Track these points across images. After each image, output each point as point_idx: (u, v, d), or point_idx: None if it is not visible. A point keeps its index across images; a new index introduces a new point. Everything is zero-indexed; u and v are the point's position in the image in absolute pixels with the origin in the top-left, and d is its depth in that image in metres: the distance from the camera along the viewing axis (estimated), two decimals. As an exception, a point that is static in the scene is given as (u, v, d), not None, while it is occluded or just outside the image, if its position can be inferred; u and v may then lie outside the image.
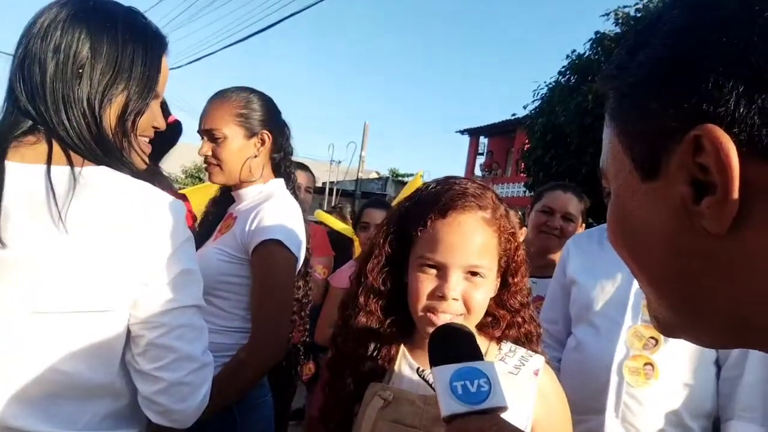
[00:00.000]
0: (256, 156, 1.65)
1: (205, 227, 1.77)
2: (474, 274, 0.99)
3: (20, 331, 0.89)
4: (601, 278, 1.66)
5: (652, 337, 1.53)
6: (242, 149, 1.63)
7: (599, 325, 1.64)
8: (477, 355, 0.78)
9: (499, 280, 1.06)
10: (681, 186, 0.41)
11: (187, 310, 1.00)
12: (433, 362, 0.77)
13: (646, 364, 1.52)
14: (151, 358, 0.96)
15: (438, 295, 0.98)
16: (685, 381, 1.50)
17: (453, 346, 0.80)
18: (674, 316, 0.48)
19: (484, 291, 1.01)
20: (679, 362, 1.51)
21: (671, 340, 1.51)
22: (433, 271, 0.99)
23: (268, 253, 1.51)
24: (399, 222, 1.07)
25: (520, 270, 1.08)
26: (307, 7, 9.63)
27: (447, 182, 1.05)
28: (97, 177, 0.95)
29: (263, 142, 1.65)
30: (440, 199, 1.00)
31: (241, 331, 1.57)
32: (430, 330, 0.96)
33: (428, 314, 0.99)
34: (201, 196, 2.16)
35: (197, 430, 1.39)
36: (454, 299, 0.97)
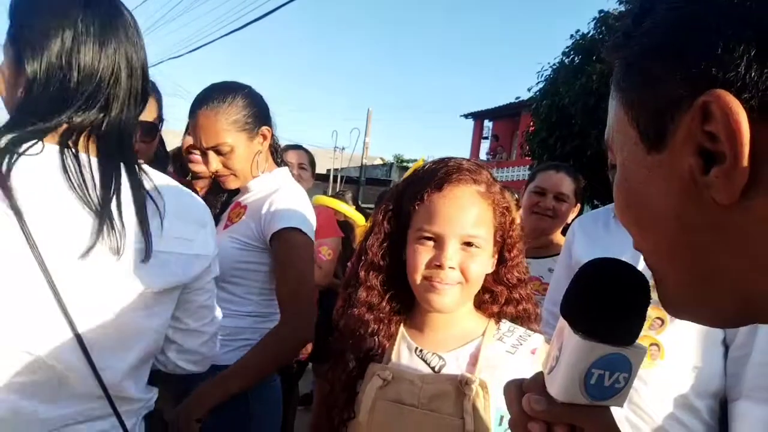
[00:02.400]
0: (261, 152, 1.68)
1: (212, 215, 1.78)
2: (470, 244, 1.01)
3: (144, 308, 1.03)
4: (607, 260, 1.65)
5: (658, 318, 1.52)
6: (249, 151, 1.66)
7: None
8: (638, 331, 0.55)
9: (496, 256, 1.08)
10: (689, 157, 0.40)
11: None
12: (580, 322, 0.55)
13: (651, 344, 1.51)
14: (199, 317, 1.17)
15: (435, 264, 1.00)
16: (692, 362, 1.49)
17: (616, 313, 0.54)
18: (683, 293, 0.47)
19: (481, 261, 1.03)
20: (686, 343, 1.50)
21: (678, 321, 1.50)
22: (431, 243, 1.02)
23: (288, 239, 1.57)
24: (397, 200, 1.10)
25: (516, 245, 1.10)
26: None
27: (442, 161, 1.08)
28: (151, 173, 1.09)
29: (265, 138, 1.68)
30: (436, 174, 1.04)
31: (255, 315, 1.64)
32: (432, 298, 1.01)
33: (426, 282, 1.02)
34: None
35: (211, 420, 1.44)
36: (451, 268, 1.00)
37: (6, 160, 0.90)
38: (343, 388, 1.08)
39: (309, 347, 2.88)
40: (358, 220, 4.09)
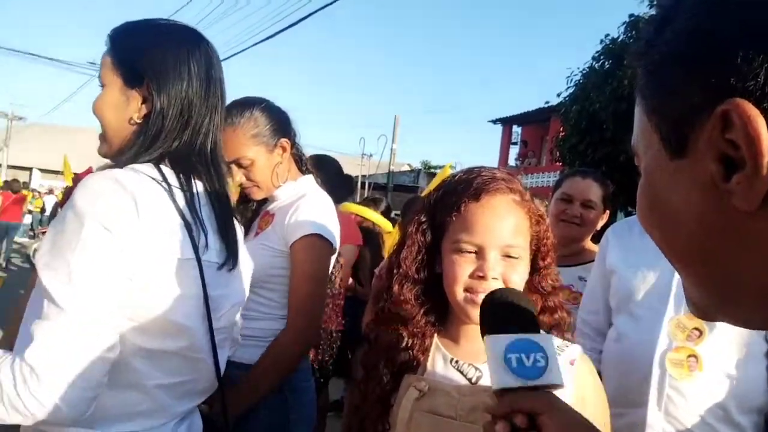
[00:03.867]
0: (281, 163, 1.75)
1: (244, 223, 1.83)
2: (509, 255, 1.00)
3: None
4: (642, 267, 1.62)
5: (696, 329, 1.48)
6: (269, 163, 1.73)
7: (640, 315, 1.59)
8: (535, 326, 0.73)
9: (529, 264, 1.07)
10: (710, 163, 0.40)
11: None
12: (487, 330, 0.73)
13: (689, 356, 1.47)
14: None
15: (478, 275, 0.99)
16: (732, 374, 1.44)
17: (508, 314, 0.74)
18: (708, 298, 0.47)
19: (521, 272, 1.02)
20: (725, 354, 1.45)
21: (716, 331, 1.46)
22: (471, 254, 1.00)
23: (308, 246, 1.63)
24: (430, 211, 1.08)
25: (550, 253, 1.09)
26: (331, 3, 9.61)
27: (474, 170, 1.07)
28: None
29: (284, 149, 1.75)
30: (471, 184, 1.03)
31: (285, 318, 1.69)
32: (472, 311, 0.98)
33: (469, 294, 1.00)
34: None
35: (252, 411, 1.56)
36: (494, 279, 0.98)
37: (168, 185, 1.09)
38: (377, 400, 1.06)
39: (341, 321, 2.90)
40: (386, 226, 4.09)
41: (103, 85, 1.14)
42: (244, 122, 1.69)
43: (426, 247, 1.07)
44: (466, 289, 1.00)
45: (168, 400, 1.11)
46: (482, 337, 0.73)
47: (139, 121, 1.13)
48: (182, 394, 1.15)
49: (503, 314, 0.75)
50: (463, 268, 1.00)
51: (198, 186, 1.16)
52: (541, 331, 0.75)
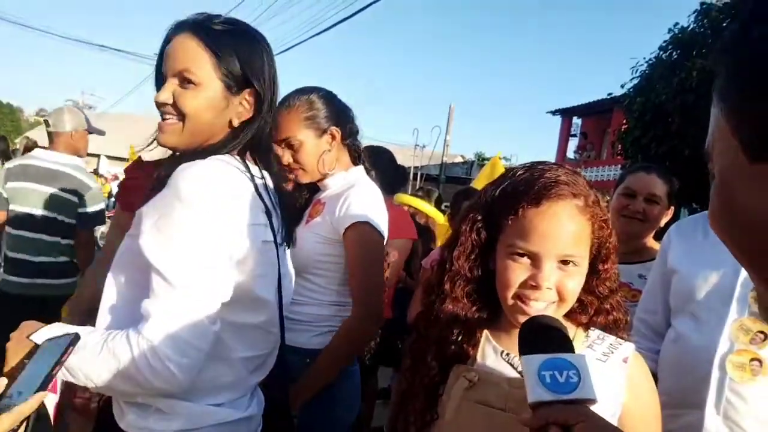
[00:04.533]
0: (329, 150, 1.78)
1: (297, 211, 1.89)
2: (566, 263, 0.97)
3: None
4: (705, 267, 1.56)
5: (760, 332, 1.42)
6: (317, 148, 1.77)
7: (701, 316, 1.54)
8: (568, 347, 0.80)
9: (588, 266, 1.03)
10: None
11: None
12: (522, 352, 0.81)
13: (752, 359, 1.41)
14: None
15: (531, 284, 0.97)
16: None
17: (543, 337, 0.82)
18: None
19: (578, 280, 0.99)
20: (793, 359, 1.39)
21: (784, 335, 1.40)
22: (525, 260, 0.98)
23: (360, 234, 1.68)
24: (486, 209, 1.06)
25: (611, 257, 1.05)
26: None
27: (536, 168, 1.02)
28: None
29: (333, 138, 1.79)
30: (532, 186, 0.98)
31: (337, 304, 1.77)
32: (521, 318, 0.96)
33: (519, 302, 0.98)
34: None
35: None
36: (548, 288, 0.96)
37: (250, 174, 1.21)
38: (423, 390, 1.07)
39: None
40: (437, 218, 4.09)
41: (188, 79, 1.14)
42: (299, 105, 1.76)
43: (480, 246, 1.05)
44: (518, 296, 0.98)
45: (246, 373, 1.21)
46: (519, 357, 0.81)
47: (237, 124, 1.21)
48: (256, 367, 1.25)
49: (538, 337, 0.82)
50: (517, 274, 0.98)
51: (265, 173, 1.27)
52: (575, 351, 0.82)
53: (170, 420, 1.10)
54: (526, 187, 0.98)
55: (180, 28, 1.17)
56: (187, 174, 1.07)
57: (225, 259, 1.08)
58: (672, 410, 1.35)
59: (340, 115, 1.82)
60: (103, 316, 1.13)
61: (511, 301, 0.99)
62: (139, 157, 2.32)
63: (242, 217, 1.13)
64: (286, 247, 1.34)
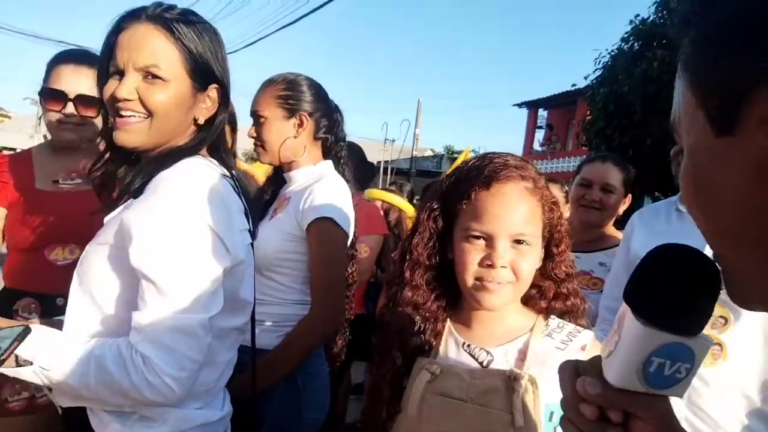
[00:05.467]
0: (295, 137, 1.72)
1: (261, 206, 1.85)
2: (520, 242, 1.01)
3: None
4: (667, 254, 1.59)
5: (721, 317, 1.46)
6: (281, 130, 1.72)
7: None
8: (704, 322, 0.53)
9: (543, 251, 1.07)
10: (765, 139, 0.37)
11: None
12: (644, 309, 0.53)
13: (714, 344, 1.45)
14: None
15: (487, 263, 1.00)
16: (758, 364, 1.42)
17: (684, 304, 0.52)
18: (752, 283, 0.44)
19: (531, 259, 1.02)
20: (751, 344, 1.42)
21: (742, 319, 1.43)
22: (480, 242, 1.01)
23: (322, 230, 1.62)
24: (441, 198, 1.09)
25: (564, 240, 1.08)
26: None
27: (487, 157, 1.07)
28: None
29: (301, 124, 1.72)
30: (483, 171, 1.03)
31: (299, 303, 1.70)
32: (482, 299, 1.00)
33: (477, 282, 1.01)
34: (265, 171, 2.23)
35: (265, 395, 1.57)
36: (503, 267, 0.99)
37: (229, 175, 1.19)
38: (389, 383, 1.09)
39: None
40: (408, 210, 4.09)
41: (155, 75, 1.08)
42: (279, 82, 1.73)
43: (437, 234, 1.09)
44: (476, 278, 1.01)
45: (226, 374, 1.20)
46: (630, 306, 0.54)
47: (202, 121, 1.17)
48: (230, 369, 1.24)
49: (679, 299, 0.52)
50: (473, 256, 1.01)
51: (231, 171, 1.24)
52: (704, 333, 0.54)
53: (156, 427, 1.07)
54: (477, 173, 1.03)
55: (135, 17, 1.09)
56: (176, 181, 1.04)
57: (219, 269, 1.05)
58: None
59: (319, 108, 1.76)
60: (74, 324, 1.08)
61: (470, 283, 1.02)
62: None
63: (233, 223, 1.10)
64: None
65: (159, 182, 1.04)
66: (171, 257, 0.99)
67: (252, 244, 1.24)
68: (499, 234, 0.99)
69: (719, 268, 0.49)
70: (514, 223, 1.00)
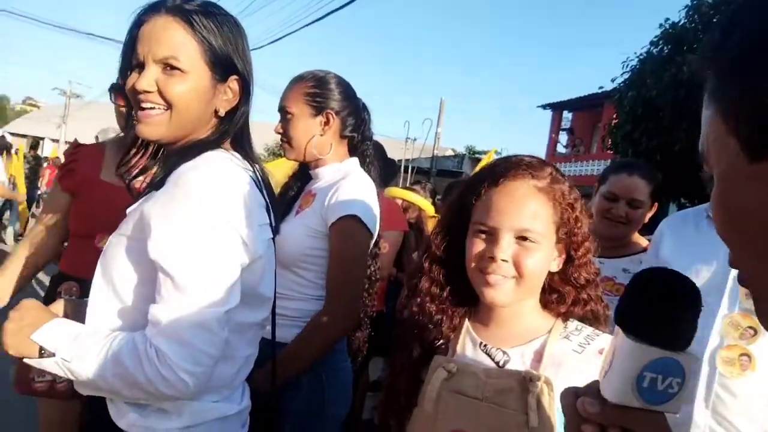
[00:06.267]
0: (321, 135, 1.73)
1: (286, 201, 1.86)
2: (525, 238, 1.01)
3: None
4: (697, 262, 1.56)
5: (750, 327, 1.42)
6: (308, 127, 1.72)
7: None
8: (689, 337, 0.58)
9: (564, 256, 1.06)
10: None
11: None
12: (631, 326, 0.58)
13: (742, 354, 1.42)
14: None
15: (488, 256, 1.01)
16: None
17: (670, 320, 0.57)
18: None
19: (538, 257, 1.01)
20: (781, 354, 1.40)
21: (773, 330, 1.40)
22: (485, 236, 1.03)
23: (346, 228, 1.61)
24: (460, 195, 1.12)
25: (585, 244, 1.07)
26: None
27: (504, 157, 1.11)
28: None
29: (328, 122, 1.72)
30: (495, 170, 1.07)
31: (322, 299, 1.69)
32: (485, 292, 1.02)
33: (479, 274, 1.02)
34: (284, 169, 2.24)
35: (290, 391, 1.59)
36: (503, 260, 1.00)
37: (252, 169, 1.19)
38: (407, 374, 1.10)
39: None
40: (428, 210, 4.09)
41: (174, 66, 1.08)
42: (308, 79, 1.73)
43: (454, 229, 1.11)
44: (479, 270, 1.03)
45: (245, 369, 1.20)
46: (619, 327, 0.59)
47: (223, 114, 1.17)
48: (251, 363, 1.24)
49: (664, 317, 0.57)
50: (477, 248, 1.03)
51: (253, 164, 1.22)
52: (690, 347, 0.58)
53: (173, 419, 1.07)
54: (490, 171, 1.07)
55: (155, 10, 1.10)
56: (197, 175, 1.04)
57: (236, 263, 1.05)
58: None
59: (346, 106, 1.76)
60: (96, 314, 1.09)
61: (474, 275, 1.04)
62: (75, 140, 2.32)
63: (252, 218, 1.09)
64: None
65: (179, 175, 1.04)
66: (188, 251, 0.99)
67: (274, 239, 1.24)
68: (502, 228, 1.01)
69: (753, 296, 0.49)
70: (518, 218, 1.01)
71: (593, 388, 0.63)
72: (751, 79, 0.41)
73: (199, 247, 1.00)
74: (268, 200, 1.21)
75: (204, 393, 1.09)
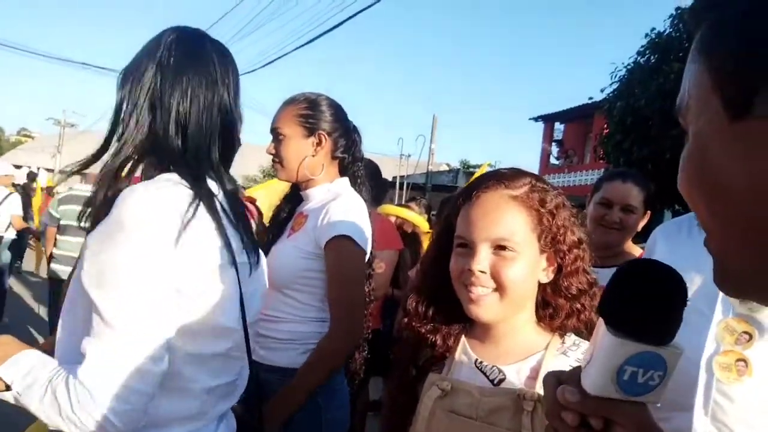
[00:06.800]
0: (313, 155, 1.74)
1: (278, 223, 1.87)
2: (503, 248, 0.99)
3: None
4: (690, 268, 1.56)
5: (745, 332, 1.43)
6: (300, 148, 1.73)
7: (687, 318, 1.53)
8: (672, 330, 0.57)
9: (554, 266, 1.04)
10: None
11: None
12: (611, 322, 0.57)
13: (738, 360, 1.42)
14: None
15: (467, 269, 1.01)
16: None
17: (653, 314, 0.56)
18: (752, 274, 0.44)
19: (518, 267, 0.99)
20: (779, 359, 1.40)
21: (767, 335, 1.41)
22: (465, 249, 1.03)
23: (340, 248, 1.62)
24: (447, 214, 1.13)
25: (573, 252, 1.04)
26: (372, 5, 9.63)
27: (487, 172, 1.12)
28: None
29: (320, 143, 1.74)
30: (471, 185, 1.08)
31: (317, 321, 1.69)
32: (469, 308, 1.01)
33: (463, 290, 1.02)
34: (278, 193, 2.25)
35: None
36: (481, 272, 0.99)
37: (201, 191, 1.08)
38: (404, 394, 1.10)
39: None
40: (423, 226, 4.10)
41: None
42: (300, 101, 1.75)
43: (444, 248, 1.10)
44: (462, 285, 1.02)
45: (212, 401, 1.13)
46: (602, 318, 0.58)
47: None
48: (224, 395, 1.17)
49: (646, 310, 0.55)
50: (458, 263, 1.03)
51: (213, 187, 1.13)
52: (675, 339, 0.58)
53: None
54: (467, 186, 1.09)
55: None
56: (130, 200, 0.98)
57: (171, 294, 0.99)
58: (662, 413, 1.34)
59: (337, 128, 1.78)
60: (60, 342, 1.07)
61: (459, 292, 1.03)
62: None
63: (193, 243, 1.02)
64: (255, 262, 1.19)
65: (117, 201, 0.99)
66: (115, 284, 0.94)
67: (251, 267, 1.16)
68: (477, 239, 1.00)
69: (714, 258, 0.48)
70: (492, 228, 1.00)
71: (575, 376, 0.62)
72: (744, 37, 0.40)
73: (128, 279, 0.95)
74: (228, 221, 1.11)
75: (158, 428, 1.03)
